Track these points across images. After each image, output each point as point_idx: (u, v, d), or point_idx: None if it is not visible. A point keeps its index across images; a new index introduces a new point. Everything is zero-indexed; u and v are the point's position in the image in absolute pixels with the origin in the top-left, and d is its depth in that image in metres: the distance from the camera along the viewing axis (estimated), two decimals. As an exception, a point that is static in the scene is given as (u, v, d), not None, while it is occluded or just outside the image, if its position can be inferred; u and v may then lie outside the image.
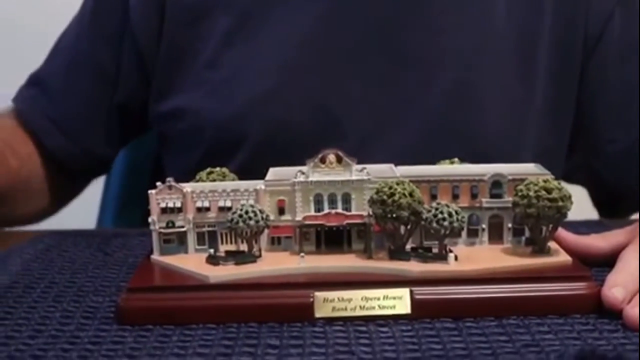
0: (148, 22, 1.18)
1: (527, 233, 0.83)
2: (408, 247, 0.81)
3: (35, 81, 1.24)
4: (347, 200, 0.82)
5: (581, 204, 0.83)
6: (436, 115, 1.11)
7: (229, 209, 0.82)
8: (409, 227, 0.79)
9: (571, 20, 1.15)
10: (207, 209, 0.83)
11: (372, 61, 1.12)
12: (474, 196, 0.83)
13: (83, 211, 1.37)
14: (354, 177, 0.82)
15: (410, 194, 0.78)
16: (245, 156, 1.12)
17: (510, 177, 0.83)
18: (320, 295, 0.74)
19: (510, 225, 0.83)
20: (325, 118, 1.11)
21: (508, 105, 1.14)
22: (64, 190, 1.26)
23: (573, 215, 0.81)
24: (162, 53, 1.18)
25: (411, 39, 1.12)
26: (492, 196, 0.83)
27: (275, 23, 1.14)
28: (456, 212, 0.78)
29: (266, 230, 0.82)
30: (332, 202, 0.82)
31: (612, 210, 1.22)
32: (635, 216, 1.18)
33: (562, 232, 0.83)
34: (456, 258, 0.78)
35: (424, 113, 1.11)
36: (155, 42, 1.18)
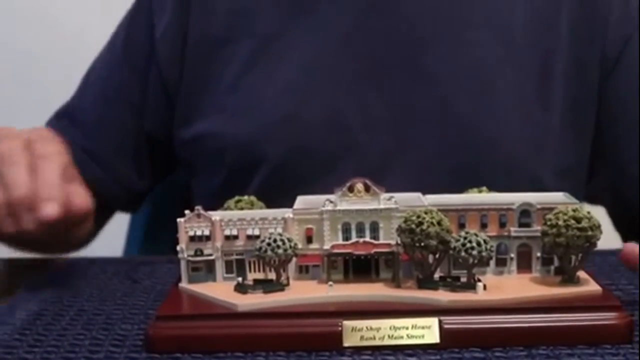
0: (172, 50, 1.20)
1: (556, 262, 0.82)
2: (436, 276, 0.80)
3: (65, 114, 1.25)
4: (375, 229, 0.82)
5: (611, 233, 0.83)
6: (455, 131, 1.12)
7: (257, 237, 0.82)
8: (437, 256, 0.79)
9: (588, 40, 1.16)
10: (236, 237, 0.83)
11: (392, 79, 1.13)
12: (502, 225, 0.83)
13: (110, 239, 1.37)
14: (382, 206, 0.82)
15: (439, 223, 0.78)
16: (266, 178, 1.13)
17: (539, 206, 0.82)
18: (348, 324, 0.74)
19: (539, 254, 0.83)
20: (344, 138, 1.12)
21: (526, 122, 1.14)
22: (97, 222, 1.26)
23: (602, 244, 0.80)
24: (185, 80, 1.20)
25: (431, 56, 1.13)
26: (521, 225, 0.83)
27: (295, 45, 1.15)
28: (485, 241, 0.78)
29: (294, 259, 0.82)
30: (360, 231, 0.82)
31: (635, 233, 1.21)
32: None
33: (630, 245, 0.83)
34: (485, 287, 0.78)
35: (443, 129, 1.12)
36: (179, 70, 1.20)
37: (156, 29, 1.21)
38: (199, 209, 0.83)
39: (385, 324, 0.74)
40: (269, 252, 0.79)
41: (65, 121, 1.23)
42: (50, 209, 0.89)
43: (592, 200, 1.21)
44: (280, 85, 1.14)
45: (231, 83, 1.17)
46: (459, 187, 0.99)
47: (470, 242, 0.78)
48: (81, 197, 0.95)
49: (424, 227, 0.77)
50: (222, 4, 1.18)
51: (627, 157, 1.18)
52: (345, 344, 0.74)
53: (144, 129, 1.23)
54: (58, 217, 0.89)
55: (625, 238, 1.19)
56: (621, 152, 1.19)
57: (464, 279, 0.79)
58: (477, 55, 1.13)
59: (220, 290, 0.80)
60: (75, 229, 1.03)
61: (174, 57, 1.20)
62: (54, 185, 0.92)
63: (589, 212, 0.79)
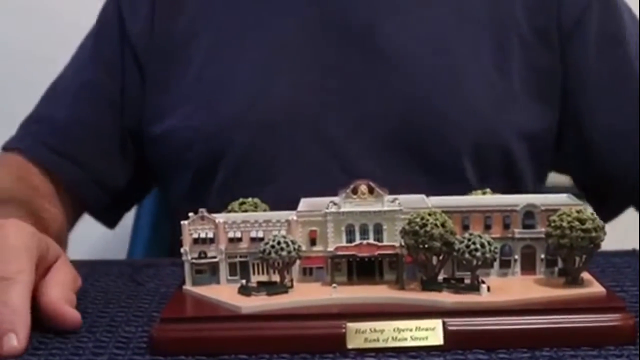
0: (145, 44, 1.22)
1: (560, 264, 0.82)
2: (440, 278, 0.80)
3: (38, 118, 1.24)
4: (379, 230, 0.82)
5: (614, 235, 0.83)
6: (416, 105, 1.15)
7: (261, 239, 0.82)
8: (441, 257, 0.79)
9: (544, 9, 1.19)
10: (239, 240, 0.83)
11: (350, 61, 1.16)
12: (506, 227, 0.83)
13: (114, 241, 1.38)
14: (385, 208, 0.82)
15: (443, 225, 0.78)
16: (233, 167, 1.15)
17: (542, 208, 0.82)
18: (352, 326, 0.74)
19: (543, 256, 0.83)
20: (307, 122, 1.15)
21: (486, 90, 1.17)
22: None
23: (606, 245, 0.80)
24: (150, 76, 1.22)
25: (387, 34, 1.16)
26: (525, 227, 0.83)
27: (255, 35, 1.19)
28: (488, 243, 0.78)
29: (298, 261, 0.82)
30: (364, 233, 0.82)
31: (602, 200, 1.22)
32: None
33: None
34: (489, 289, 0.78)
35: (404, 105, 1.15)
36: (150, 62, 1.22)
37: (126, 23, 1.23)
38: (202, 211, 0.83)
39: (389, 325, 0.74)
40: (273, 255, 0.79)
41: (38, 125, 1.23)
42: (14, 342, 0.76)
43: (560, 168, 1.27)
44: (242, 74, 1.17)
45: (194, 76, 1.19)
46: (424, 161, 1.10)
47: (474, 243, 0.78)
48: (70, 312, 0.81)
49: (428, 228, 0.77)
50: None
51: (590, 124, 1.21)
52: (349, 346, 0.74)
53: (122, 127, 1.23)
54: (22, 351, 0.76)
55: (592, 204, 1.21)
56: (585, 120, 1.21)
57: (467, 281, 0.79)
58: (433, 30, 1.18)
59: (224, 292, 0.80)
60: None
61: (146, 50, 1.22)
62: (17, 312, 0.77)
63: (592, 214, 0.79)
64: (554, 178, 1.33)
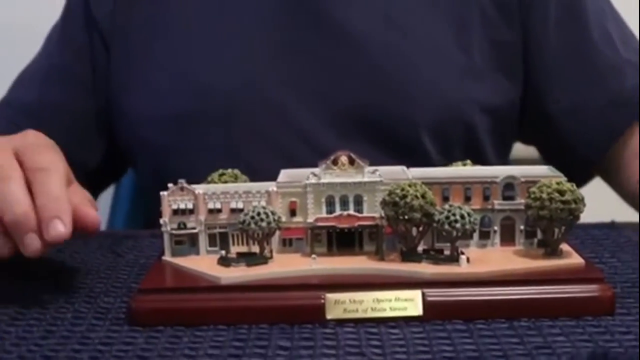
0: (110, 23, 1.23)
1: (539, 235, 0.82)
2: (420, 249, 0.80)
3: (9, 102, 1.25)
4: (359, 202, 0.82)
5: (594, 206, 0.83)
6: (376, 79, 1.16)
7: (241, 210, 0.82)
8: (420, 229, 0.79)
9: None
10: (219, 211, 0.83)
11: (308, 39, 1.17)
12: (486, 198, 0.83)
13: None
14: (366, 179, 0.82)
15: (423, 196, 0.78)
16: (196, 149, 1.17)
17: (522, 179, 0.82)
18: (331, 296, 0.74)
19: (522, 227, 0.83)
20: (268, 101, 1.16)
21: (446, 63, 1.18)
22: None
23: (585, 217, 0.80)
24: (112, 58, 1.23)
25: (344, 11, 1.17)
26: (505, 198, 0.83)
27: (213, 19, 1.20)
28: (468, 214, 0.78)
29: (278, 232, 0.82)
30: (344, 204, 0.82)
31: (567, 172, 1.26)
32: None
33: None
34: (468, 260, 0.78)
35: (364, 79, 1.16)
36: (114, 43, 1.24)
37: (92, 6, 1.24)
38: (182, 182, 0.83)
39: (368, 296, 0.74)
40: (253, 226, 0.79)
41: (9, 108, 1.24)
42: (61, 228, 0.77)
43: (526, 141, 1.29)
44: (199, 54, 1.18)
45: (154, 58, 1.20)
46: (384, 135, 1.11)
47: (453, 215, 0.78)
48: (92, 213, 0.83)
49: (408, 200, 0.77)
50: None
51: (549, 97, 1.22)
52: (328, 317, 0.74)
53: (96, 107, 1.24)
54: (69, 236, 0.78)
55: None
56: (544, 93, 1.22)
57: (447, 252, 0.79)
58: (391, 7, 1.18)
59: (203, 263, 0.80)
60: None
61: (111, 32, 1.23)
62: (59, 199, 0.79)
63: (572, 185, 0.79)
64: (520, 151, 1.34)
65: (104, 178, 1.32)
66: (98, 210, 0.86)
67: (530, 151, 1.33)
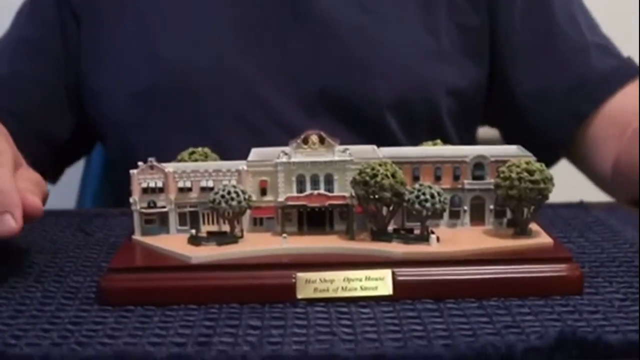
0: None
1: (508, 215, 0.83)
2: (390, 228, 0.81)
3: None
4: (329, 181, 0.82)
5: (563, 186, 0.84)
6: (344, 62, 1.17)
7: (211, 189, 0.81)
8: (391, 208, 0.79)
9: None
10: (189, 189, 0.83)
11: (278, 22, 1.19)
12: (456, 178, 0.83)
13: (63, 191, 1.36)
14: (336, 158, 0.82)
15: (393, 175, 0.78)
16: (163, 129, 1.18)
17: (492, 159, 0.83)
18: (302, 276, 0.74)
19: (492, 207, 0.83)
20: (238, 83, 1.17)
21: (412, 45, 1.20)
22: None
23: (554, 197, 0.81)
24: (81, 36, 1.23)
25: None
26: (475, 178, 0.83)
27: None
28: (438, 194, 0.78)
29: (248, 211, 0.81)
30: (315, 183, 0.82)
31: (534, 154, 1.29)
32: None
33: None
34: (438, 239, 0.78)
35: (332, 62, 1.18)
36: (85, 19, 1.23)
37: None
38: (151, 160, 0.82)
39: (338, 275, 0.74)
40: (223, 204, 0.79)
41: None
42: (12, 223, 0.75)
43: (492, 124, 1.31)
44: (171, 36, 1.19)
45: (125, 37, 1.20)
46: (351, 116, 1.13)
47: (424, 194, 0.78)
48: (32, 201, 0.79)
49: (378, 179, 0.78)
50: None
51: (514, 80, 1.24)
52: (299, 296, 0.74)
53: (67, 81, 1.24)
54: (19, 230, 0.76)
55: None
56: (509, 76, 1.24)
57: (417, 231, 0.80)
58: None
59: (173, 242, 0.80)
60: None
61: (82, 7, 1.23)
62: (9, 193, 0.76)
63: (541, 165, 0.79)
64: (487, 133, 1.35)
65: (74, 151, 1.32)
66: (48, 191, 0.87)
67: (496, 132, 1.34)
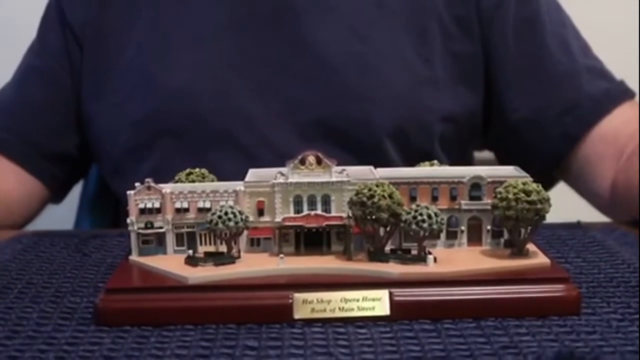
0: (84, 28, 1.26)
1: (506, 235, 0.83)
2: (387, 248, 0.81)
3: None
4: (326, 201, 0.82)
5: (559, 206, 0.84)
6: (338, 90, 1.18)
7: (208, 210, 0.82)
8: (388, 228, 0.79)
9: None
10: (186, 210, 0.83)
11: (273, 50, 1.20)
12: (453, 198, 0.83)
13: (60, 212, 1.36)
14: (333, 179, 0.82)
15: (390, 196, 0.78)
16: (160, 154, 1.18)
17: (489, 180, 0.83)
18: (299, 296, 0.74)
19: (489, 227, 0.83)
20: (234, 108, 1.18)
21: (407, 74, 1.20)
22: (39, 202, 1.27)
23: (551, 217, 0.81)
24: (84, 63, 1.25)
25: (307, 24, 1.20)
26: (471, 198, 0.83)
27: (183, 25, 1.22)
28: (435, 214, 0.78)
29: (245, 232, 0.81)
30: (312, 204, 0.82)
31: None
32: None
33: None
34: (435, 260, 0.78)
35: (326, 90, 1.18)
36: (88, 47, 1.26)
37: (66, 12, 1.26)
38: (149, 181, 0.82)
39: (336, 296, 0.74)
40: (220, 225, 0.79)
41: None
42: None
43: (492, 148, 1.32)
44: (169, 63, 1.20)
45: (126, 65, 1.22)
46: (347, 144, 1.13)
47: (421, 215, 0.78)
48: None
49: (375, 200, 0.78)
50: None
51: (509, 106, 1.24)
52: (296, 316, 0.74)
53: (76, 105, 1.26)
54: None
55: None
56: (504, 102, 1.25)
57: (414, 252, 0.80)
58: (354, 19, 1.21)
59: (170, 262, 0.80)
60: None
61: (85, 36, 1.25)
62: None
63: (538, 186, 0.79)
64: (481, 154, 1.36)
65: (81, 168, 1.34)
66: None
67: (491, 153, 1.34)
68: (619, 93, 1.22)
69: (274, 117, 1.17)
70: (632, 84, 1.24)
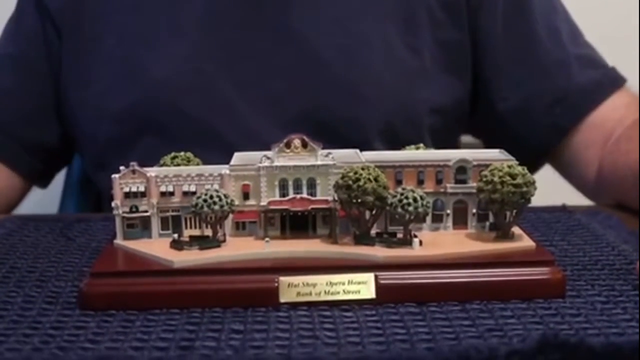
0: (62, 15, 1.23)
1: (491, 218, 0.83)
2: (373, 232, 0.81)
3: None
4: (312, 185, 0.82)
5: (544, 190, 0.84)
6: (326, 82, 1.17)
7: (194, 193, 0.81)
8: (374, 212, 0.79)
9: None
10: (171, 194, 0.83)
11: (261, 43, 1.18)
12: (438, 181, 0.83)
13: (45, 196, 1.36)
14: (319, 162, 0.82)
15: (376, 179, 0.78)
16: (144, 146, 1.17)
17: (475, 163, 0.83)
18: (284, 280, 0.74)
19: (474, 210, 0.83)
20: (219, 101, 1.17)
21: (396, 66, 1.19)
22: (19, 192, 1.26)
23: (536, 201, 0.81)
24: (64, 51, 1.23)
25: (295, 16, 1.18)
26: (457, 182, 0.84)
27: (168, 16, 1.20)
28: (421, 198, 0.78)
29: (231, 215, 0.81)
30: (297, 187, 0.82)
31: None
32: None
33: None
34: (421, 243, 0.78)
35: (314, 82, 1.17)
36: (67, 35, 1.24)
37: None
38: (133, 164, 0.82)
39: (321, 279, 0.74)
40: (205, 209, 0.79)
41: None
42: None
43: (477, 135, 1.32)
44: (152, 54, 1.18)
45: (106, 56, 1.20)
46: (335, 137, 1.08)
47: (406, 198, 0.78)
48: None
49: (361, 183, 0.77)
50: None
51: (497, 95, 1.24)
52: (282, 300, 0.74)
53: (54, 92, 1.24)
54: None
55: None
56: (492, 91, 1.24)
57: (400, 235, 0.80)
58: (341, 11, 1.19)
59: (155, 246, 0.80)
60: None
61: (64, 23, 1.23)
62: None
63: (524, 169, 0.79)
64: (467, 138, 1.36)
65: (64, 156, 1.33)
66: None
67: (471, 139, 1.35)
68: (609, 82, 1.21)
69: (259, 111, 1.16)
70: (633, 85, 1.23)
